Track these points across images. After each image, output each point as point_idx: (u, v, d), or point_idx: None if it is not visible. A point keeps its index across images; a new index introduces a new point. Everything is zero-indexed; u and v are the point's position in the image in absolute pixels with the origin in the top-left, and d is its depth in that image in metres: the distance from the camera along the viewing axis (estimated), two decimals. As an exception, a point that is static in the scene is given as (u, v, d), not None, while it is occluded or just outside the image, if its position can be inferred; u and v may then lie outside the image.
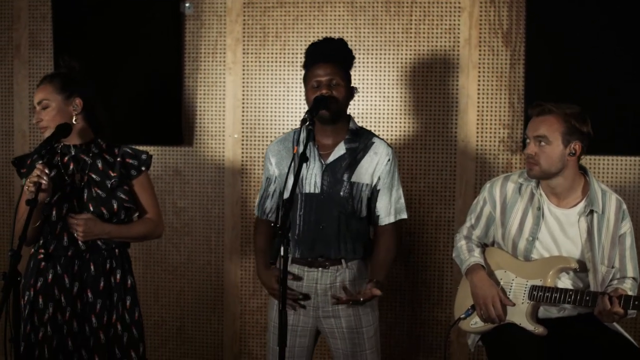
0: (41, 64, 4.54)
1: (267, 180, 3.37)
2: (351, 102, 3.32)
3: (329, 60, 3.18)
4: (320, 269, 3.23)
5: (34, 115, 3.19)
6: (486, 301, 3.22)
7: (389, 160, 3.26)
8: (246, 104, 4.40)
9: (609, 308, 2.96)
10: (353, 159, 3.22)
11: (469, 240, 3.47)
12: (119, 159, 3.22)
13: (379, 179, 3.26)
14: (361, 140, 3.27)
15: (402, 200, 3.34)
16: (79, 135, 3.17)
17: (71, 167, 3.14)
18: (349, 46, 3.32)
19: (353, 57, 3.30)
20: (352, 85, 3.28)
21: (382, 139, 3.33)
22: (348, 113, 3.32)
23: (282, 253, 2.64)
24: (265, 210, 3.39)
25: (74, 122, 3.12)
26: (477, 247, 3.44)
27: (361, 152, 3.24)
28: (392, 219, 3.31)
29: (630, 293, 3.12)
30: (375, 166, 3.24)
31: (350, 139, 3.25)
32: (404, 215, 3.35)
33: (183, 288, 4.54)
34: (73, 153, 3.16)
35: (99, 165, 3.17)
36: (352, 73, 3.31)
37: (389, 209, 3.30)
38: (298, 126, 3.13)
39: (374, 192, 3.28)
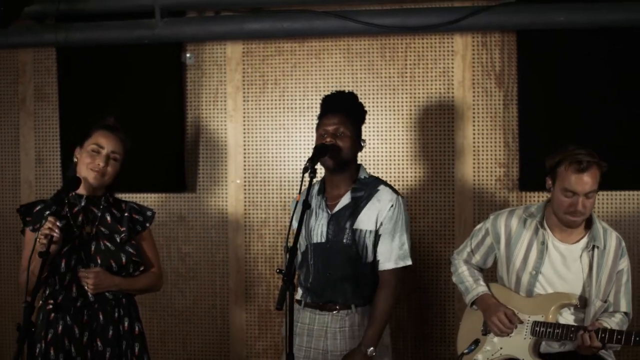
0: (46, 116, 4.65)
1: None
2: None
3: (337, 111, 3.28)
4: (330, 312, 3.29)
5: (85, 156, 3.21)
6: (493, 318, 3.32)
7: (392, 206, 3.29)
8: (247, 150, 4.49)
9: (588, 343, 3.04)
10: (356, 207, 3.30)
11: (469, 266, 3.55)
12: (126, 214, 3.31)
13: (381, 224, 3.30)
14: (367, 188, 3.33)
15: (407, 247, 3.33)
16: (96, 189, 3.25)
17: (80, 218, 3.21)
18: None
19: (364, 111, 3.40)
20: (363, 138, 3.37)
21: (390, 186, 3.36)
22: (359, 163, 3.40)
23: (287, 300, 2.70)
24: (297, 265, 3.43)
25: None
26: (479, 274, 3.52)
27: (365, 200, 3.31)
28: (391, 265, 3.30)
29: (614, 327, 3.17)
30: (377, 212, 3.29)
31: (357, 188, 3.32)
32: (408, 262, 3.33)
33: (189, 332, 4.59)
34: (83, 204, 3.24)
35: (108, 218, 3.26)
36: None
37: (390, 254, 3.30)
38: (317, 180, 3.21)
39: (377, 238, 3.32)
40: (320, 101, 3.41)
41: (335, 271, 3.27)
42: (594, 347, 3.05)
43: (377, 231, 3.31)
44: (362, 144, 3.37)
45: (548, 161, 3.28)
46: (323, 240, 3.29)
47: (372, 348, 3.17)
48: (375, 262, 3.32)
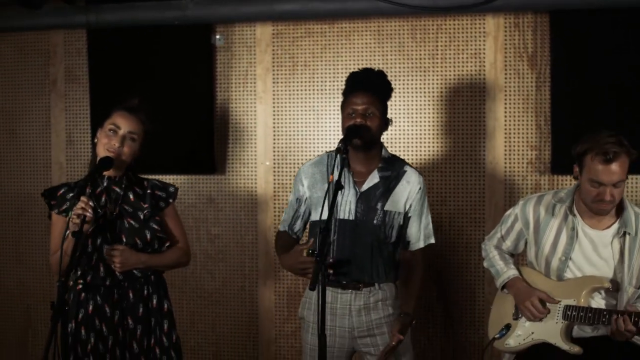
0: (77, 98, 4.68)
1: (298, 201, 3.45)
2: (382, 128, 3.40)
3: (367, 90, 3.26)
4: (353, 291, 3.29)
5: (102, 136, 3.21)
6: (526, 303, 3.31)
7: (420, 188, 3.36)
8: (277, 132, 4.49)
9: (623, 327, 3.01)
10: (386, 188, 3.30)
11: (500, 251, 3.53)
12: (148, 191, 3.32)
13: (410, 206, 3.35)
14: (394, 168, 3.35)
15: (431, 226, 3.44)
16: (119, 169, 3.26)
17: (103, 198, 3.22)
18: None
19: (391, 89, 3.38)
20: (388, 116, 3.36)
21: (414, 167, 3.41)
22: (381, 141, 3.40)
23: (320, 279, 2.70)
24: (294, 229, 3.48)
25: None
26: (510, 258, 3.50)
27: (394, 181, 3.32)
28: (421, 245, 3.41)
29: None
30: (407, 194, 3.33)
31: (383, 167, 3.33)
32: (433, 240, 3.45)
33: (218, 314, 4.62)
34: (105, 184, 3.25)
35: (131, 196, 3.27)
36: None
37: (419, 235, 3.40)
38: (330, 150, 3.22)
39: (405, 219, 3.36)
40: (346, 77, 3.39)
41: (364, 250, 3.27)
42: (628, 331, 3.02)
43: (406, 213, 3.35)
44: (389, 123, 3.37)
45: (575, 149, 3.23)
46: (351, 218, 3.28)
47: (414, 321, 3.32)
48: (398, 242, 3.36)
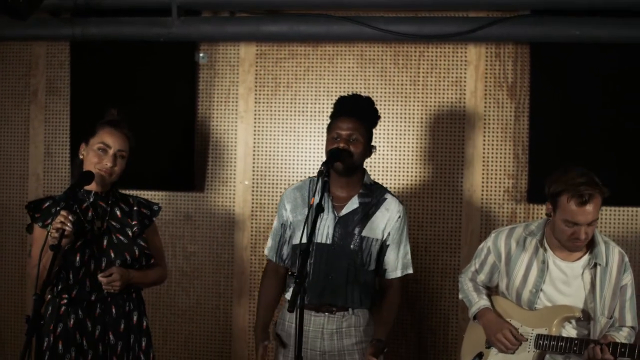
0: (57, 110, 4.66)
1: (283, 227, 3.46)
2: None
3: (353, 116, 3.28)
4: (326, 314, 3.30)
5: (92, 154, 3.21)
6: (498, 335, 3.31)
7: (399, 217, 3.36)
8: (257, 152, 4.50)
9: (599, 356, 3.04)
10: (365, 214, 3.32)
11: (475, 283, 3.56)
12: (135, 208, 3.33)
13: (389, 234, 3.36)
14: (374, 195, 3.37)
15: (409, 256, 3.44)
16: (105, 185, 3.26)
17: (89, 213, 3.22)
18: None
19: (378, 117, 3.42)
20: (373, 143, 3.38)
21: (394, 196, 3.43)
22: (364, 167, 3.42)
23: (298, 302, 2.71)
24: (282, 257, 3.48)
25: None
26: (484, 289, 3.53)
27: (373, 207, 3.34)
28: (398, 274, 3.41)
29: (624, 341, 3.19)
30: (386, 222, 3.35)
31: (364, 194, 3.35)
32: (410, 271, 3.45)
33: (192, 332, 4.59)
34: (92, 200, 3.25)
35: (117, 213, 3.28)
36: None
37: (397, 263, 3.40)
38: (312, 175, 3.25)
39: (383, 247, 3.37)
40: (333, 103, 3.43)
41: (339, 275, 3.28)
42: (605, 359, 3.06)
43: (384, 241, 3.36)
44: (372, 150, 3.38)
45: (548, 187, 3.26)
46: (328, 242, 3.30)
47: (386, 349, 3.30)
48: (376, 270, 3.38)
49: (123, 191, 3.42)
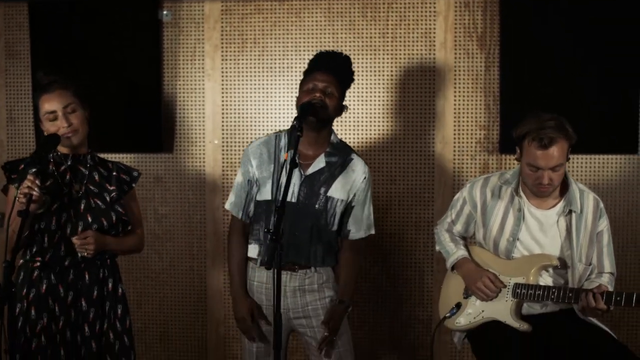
0: (18, 74, 4.52)
1: (249, 183, 3.38)
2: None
3: (330, 70, 3.25)
4: (289, 272, 3.28)
5: (44, 123, 3.14)
6: (478, 284, 3.33)
7: (365, 178, 3.35)
8: (226, 110, 4.43)
9: (594, 305, 3.06)
10: (331, 174, 3.30)
11: (451, 234, 3.56)
12: (114, 173, 3.27)
13: (354, 195, 3.35)
14: (341, 155, 3.34)
15: (372, 217, 3.44)
16: (78, 145, 3.18)
17: (67, 176, 3.16)
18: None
19: (352, 78, 3.38)
20: (345, 103, 3.35)
21: (360, 157, 3.41)
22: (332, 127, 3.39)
23: (275, 259, 2.68)
24: (249, 214, 3.41)
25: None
26: (461, 240, 3.53)
27: (339, 168, 3.32)
28: (362, 234, 3.42)
29: (610, 288, 3.22)
30: (352, 183, 3.33)
31: (331, 153, 3.32)
32: (373, 231, 3.46)
33: (166, 294, 4.55)
34: (70, 163, 3.17)
35: (96, 177, 3.21)
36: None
37: (361, 224, 3.40)
38: (277, 130, 3.28)
39: (347, 208, 3.36)
40: (301, 58, 3.37)
41: (302, 233, 3.27)
42: (598, 309, 3.09)
43: (349, 202, 3.35)
44: (344, 109, 3.35)
45: (515, 132, 3.27)
46: (293, 201, 3.26)
47: (350, 307, 3.34)
48: (339, 230, 3.38)
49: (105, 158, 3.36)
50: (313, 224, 3.27)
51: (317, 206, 3.27)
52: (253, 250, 3.34)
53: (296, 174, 3.26)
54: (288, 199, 3.22)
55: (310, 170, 3.28)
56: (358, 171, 3.35)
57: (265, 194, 3.28)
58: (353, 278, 3.40)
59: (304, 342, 3.43)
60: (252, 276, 3.37)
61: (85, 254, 3.07)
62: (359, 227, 3.39)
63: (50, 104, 3.10)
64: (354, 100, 4.30)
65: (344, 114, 3.38)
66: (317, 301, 3.32)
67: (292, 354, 4.33)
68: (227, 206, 3.48)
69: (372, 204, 3.45)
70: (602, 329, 3.26)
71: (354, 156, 3.38)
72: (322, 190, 3.28)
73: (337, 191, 3.30)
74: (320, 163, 3.29)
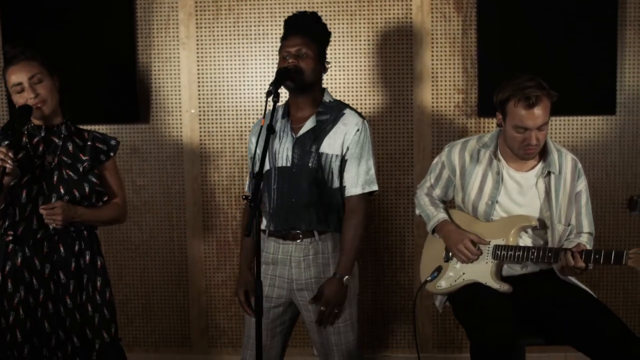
0: (-11, 46, 4.44)
1: (252, 160, 3.35)
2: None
3: (299, 33, 3.19)
4: (294, 241, 3.25)
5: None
6: (459, 246, 3.33)
7: (358, 130, 3.22)
8: (202, 79, 4.38)
9: (572, 263, 3.07)
10: (322, 131, 3.23)
11: (431, 198, 3.56)
12: (89, 143, 3.21)
13: (347, 149, 3.23)
14: (333, 112, 3.27)
15: (372, 172, 3.27)
16: (51, 116, 3.13)
17: (40, 148, 3.11)
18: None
19: (327, 32, 3.31)
20: (327, 60, 3.30)
21: (355, 110, 3.30)
22: (324, 87, 3.33)
23: (254, 226, 2.66)
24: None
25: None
26: (441, 203, 3.53)
27: (330, 124, 3.23)
28: (358, 190, 3.25)
29: (588, 247, 3.24)
30: (344, 136, 3.22)
31: (322, 112, 3.25)
32: (374, 187, 3.28)
33: (147, 266, 4.53)
34: (43, 134, 3.12)
35: (70, 147, 3.15)
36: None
37: (356, 179, 3.25)
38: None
39: (343, 163, 3.25)
40: (276, 24, 3.32)
41: (301, 196, 3.20)
42: (577, 267, 3.09)
43: (343, 156, 3.24)
44: (327, 66, 3.30)
45: (497, 96, 3.25)
46: (288, 165, 3.22)
47: (347, 277, 3.18)
48: (341, 188, 3.27)
49: (83, 127, 3.30)
50: (309, 184, 3.20)
51: (310, 165, 3.20)
52: (262, 223, 3.31)
53: (288, 138, 3.23)
54: (283, 164, 3.21)
55: (302, 131, 3.23)
56: (350, 123, 3.23)
57: (265, 165, 3.23)
58: (350, 245, 3.20)
59: (302, 317, 3.35)
60: (263, 247, 3.29)
61: (55, 224, 3.01)
62: (355, 182, 3.24)
63: (17, 75, 3.06)
64: (331, 65, 4.25)
65: (325, 76, 3.33)
66: (320, 274, 3.23)
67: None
68: (245, 187, 3.50)
69: (373, 159, 3.30)
70: (581, 288, 3.28)
71: (347, 110, 3.28)
72: (314, 147, 3.20)
73: (330, 146, 3.21)
74: (310, 123, 3.23)
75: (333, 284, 3.17)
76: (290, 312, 3.36)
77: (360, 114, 3.29)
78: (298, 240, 3.24)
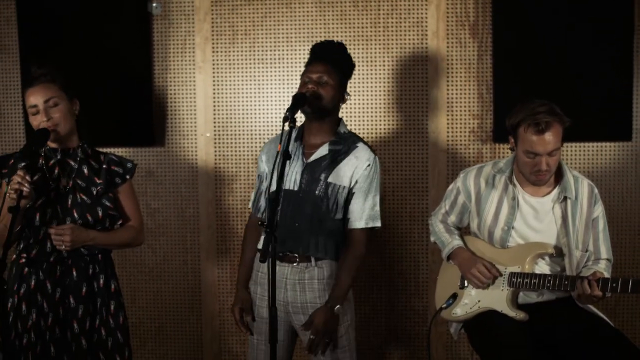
0: (7, 69, 4.49)
1: (259, 178, 3.42)
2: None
3: (323, 60, 3.23)
4: (290, 264, 3.24)
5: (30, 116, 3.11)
6: (472, 270, 3.32)
7: (368, 165, 3.25)
8: (217, 103, 4.40)
9: (589, 292, 3.05)
10: (333, 160, 3.24)
11: (446, 224, 3.55)
12: (104, 166, 3.22)
13: (356, 182, 3.25)
14: (346, 143, 3.29)
15: (378, 209, 3.30)
16: (66, 138, 3.14)
17: (56, 171, 3.12)
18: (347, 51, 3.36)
19: (352, 63, 3.34)
20: (347, 91, 3.33)
21: (368, 145, 3.32)
22: (340, 117, 3.35)
23: (269, 252, 2.65)
24: (259, 208, 3.41)
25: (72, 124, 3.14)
26: (456, 230, 3.52)
27: (343, 155, 3.26)
28: (362, 224, 3.26)
29: (606, 275, 3.21)
30: (354, 169, 3.24)
31: (336, 142, 3.28)
32: (377, 224, 3.30)
33: (160, 289, 4.53)
34: (59, 157, 3.14)
35: (85, 171, 3.16)
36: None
37: (361, 213, 3.26)
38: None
39: (350, 195, 3.27)
40: (293, 49, 3.33)
41: (303, 221, 3.22)
42: (594, 296, 3.06)
43: (350, 189, 3.26)
44: (347, 97, 3.32)
45: (509, 120, 3.26)
46: (295, 189, 3.24)
47: (338, 306, 3.18)
48: (343, 220, 3.29)
49: (101, 150, 3.32)
50: (313, 211, 3.22)
51: (317, 192, 3.22)
52: (260, 242, 3.31)
53: (299, 162, 3.25)
54: (290, 187, 3.23)
55: (313, 157, 3.25)
56: (361, 158, 3.25)
57: (272, 186, 3.25)
58: (345, 276, 3.21)
59: (302, 342, 3.34)
60: (257, 267, 3.35)
61: (64, 247, 3.01)
62: (359, 216, 3.26)
63: (34, 97, 3.08)
64: (350, 98, 4.26)
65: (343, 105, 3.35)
66: (316, 299, 3.23)
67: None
68: (249, 204, 3.53)
69: (380, 196, 3.33)
70: (598, 316, 3.25)
71: (360, 144, 3.31)
72: (323, 176, 3.23)
73: (338, 177, 3.24)
74: (323, 151, 3.26)
75: (323, 313, 3.17)
76: (290, 334, 3.37)
77: (372, 150, 3.32)
78: (294, 264, 3.24)
